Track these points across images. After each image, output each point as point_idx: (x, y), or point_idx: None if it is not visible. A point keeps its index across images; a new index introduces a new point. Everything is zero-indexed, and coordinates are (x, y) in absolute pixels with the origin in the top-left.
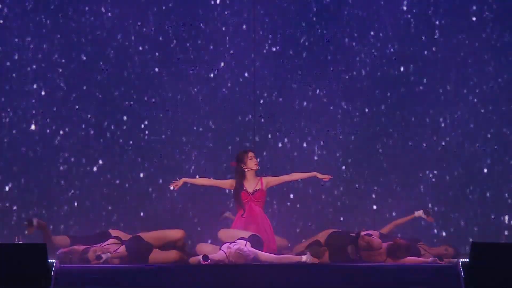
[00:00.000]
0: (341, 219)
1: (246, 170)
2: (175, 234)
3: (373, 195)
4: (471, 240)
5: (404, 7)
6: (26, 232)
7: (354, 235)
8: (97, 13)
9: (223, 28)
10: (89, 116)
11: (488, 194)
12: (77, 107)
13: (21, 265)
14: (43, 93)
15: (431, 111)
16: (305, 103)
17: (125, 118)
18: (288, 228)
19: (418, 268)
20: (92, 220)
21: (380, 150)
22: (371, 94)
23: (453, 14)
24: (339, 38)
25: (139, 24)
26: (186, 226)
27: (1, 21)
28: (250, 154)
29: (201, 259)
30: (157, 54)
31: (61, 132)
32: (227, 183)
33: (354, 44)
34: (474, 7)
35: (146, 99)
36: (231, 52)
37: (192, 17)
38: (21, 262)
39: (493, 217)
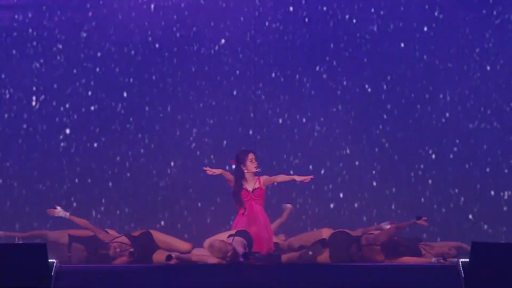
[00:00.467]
0: (341, 195)
1: (245, 171)
2: (184, 246)
3: (373, 172)
4: (470, 216)
5: None
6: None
7: (357, 235)
8: None
9: (224, 5)
10: (89, 93)
11: (487, 170)
12: (77, 83)
13: (21, 265)
14: (43, 69)
15: (431, 88)
16: (305, 80)
17: (125, 94)
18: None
19: (418, 268)
20: (92, 196)
21: (380, 127)
22: (371, 70)
23: None
24: (340, 15)
25: (139, 1)
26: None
27: None
28: (251, 156)
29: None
30: (158, 31)
31: (62, 108)
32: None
33: (354, 20)
34: None
35: (146, 76)
36: (231, 28)
37: None
38: (21, 262)
39: (492, 193)
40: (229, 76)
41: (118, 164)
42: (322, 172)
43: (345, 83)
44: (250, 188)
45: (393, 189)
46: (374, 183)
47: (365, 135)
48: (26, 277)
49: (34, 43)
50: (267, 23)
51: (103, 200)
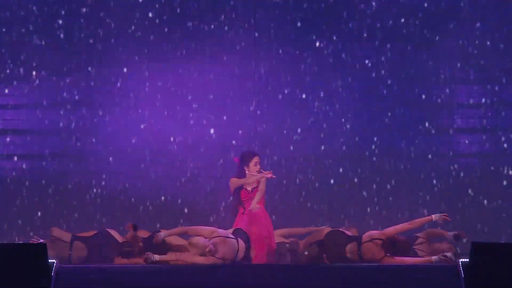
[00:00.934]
0: (341, 170)
1: (247, 172)
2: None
3: (373, 146)
4: (470, 191)
5: None
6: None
7: (354, 235)
8: None
9: None
10: (89, 68)
11: (487, 145)
12: (77, 59)
13: (21, 265)
14: (43, 43)
15: (431, 62)
16: (305, 55)
17: (125, 70)
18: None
19: (418, 268)
20: (93, 172)
21: (380, 102)
22: (371, 45)
23: None
24: None
25: None
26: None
27: None
28: (256, 159)
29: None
30: (157, 5)
31: (61, 83)
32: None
33: None
34: None
35: (146, 51)
36: (231, 3)
37: None
38: (21, 262)
39: (492, 168)
40: (230, 51)
41: (119, 138)
42: (322, 148)
43: (345, 58)
44: (249, 188)
45: (393, 165)
46: (374, 158)
47: (365, 110)
48: (26, 277)
49: (33, 18)
50: None
51: (104, 175)
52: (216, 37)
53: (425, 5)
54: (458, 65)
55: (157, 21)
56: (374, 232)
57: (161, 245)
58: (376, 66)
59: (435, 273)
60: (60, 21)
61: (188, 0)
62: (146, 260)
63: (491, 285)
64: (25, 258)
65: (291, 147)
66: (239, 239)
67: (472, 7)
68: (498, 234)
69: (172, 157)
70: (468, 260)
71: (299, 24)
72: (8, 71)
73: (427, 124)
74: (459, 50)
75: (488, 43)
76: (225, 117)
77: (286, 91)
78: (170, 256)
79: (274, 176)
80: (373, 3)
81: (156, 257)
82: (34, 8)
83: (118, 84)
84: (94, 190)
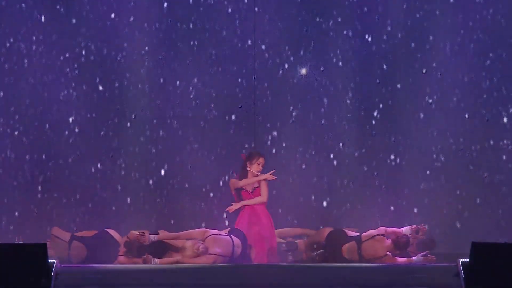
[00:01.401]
0: (341, 144)
1: (248, 169)
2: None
3: (373, 121)
4: (470, 166)
5: None
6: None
7: (355, 235)
8: None
9: None
10: (89, 43)
11: (486, 119)
12: (76, 33)
13: (21, 265)
14: (43, 19)
15: (431, 37)
16: (305, 30)
17: (125, 45)
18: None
19: (418, 268)
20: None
21: (380, 76)
22: (371, 20)
23: None
24: None
25: None
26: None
27: None
28: (261, 159)
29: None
30: None
31: (62, 57)
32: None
33: None
34: None
35: (146, 26)
36: None
37: None
38: (21, 262)
39: (491, 142)
40: (229, 26)
41: (120, 114)
42: (322, 122)
43: (345, 33)
44: (249, 189)
45: (393, 139)
46: (374, 133)
47: (365, 85)
48: (26, 277)
49: None
50: None
51: (104, 150)
52: (215, 12)
53: None
54: (459, 39)
55: None
56: (373, 231)
57: (161, 246)
58: (376, 41)
59: (435, 273)
60: None
61: None
62: (144, 261)
63: (491, 285)
64: (25, 258)
65: (291, 122)
66: (233, 236)
67: None
68: (497, 209)
69: (172, 131)
70: (468, 260)
71: None
72: (8, 45)
73: (427, 99)
74: (460, 24)
75: (489, 17)
76: (225, 91)
77: (286, 66)
78: (170, 260)
79: (275, 178)
80: None
81: (157, 260)
82: None
83: (118, 59)
84: (99, 164)
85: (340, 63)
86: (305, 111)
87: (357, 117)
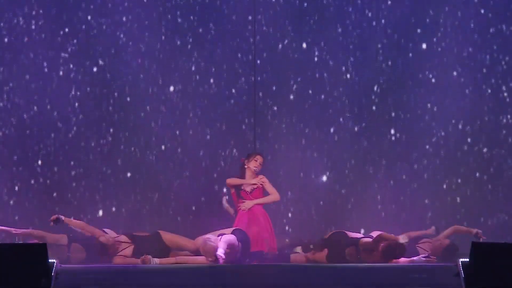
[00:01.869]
0: (341, 119)
1: (246, 167)
2: (193, 245)
3: (373, 96)
4: (469, 140)
5: None
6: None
7: (356, 237)
8: None
9: None
10: (88, 17)
11: (486, 93)
12: (77, 7)
13: (21, 265)
14: None
15: (432, 12)
16: (305, 4)
17: (124, 19)
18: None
19: (418, 268)
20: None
21: (380, 51)
22: None
23: None
24: None
25: None
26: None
27: None
28: (258, 157)
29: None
30: None
31: (61, 32)
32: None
33: None
34: None
35: (145, 1)
36: None
37: None
38: (21, 262)
39: (492, 117)
40: (230, 1)
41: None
42: (322, 97)
43: (345, 8)
44: (248, 189)
45: (393, 113)
46: (374, 108)
47: (365, 59)
48: (26, 277)
49: None
50: None
51: (106, 126)
52: None
53: None
54: (459, 13)
55: None
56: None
57: (162, 246)
58: (376, 16)
59: (435, 273)
60: None
61: None
62: (143, 262)
63: (491, 285)
64: (25, 258)
65: (291, 97)
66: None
67: None
68: (497, 183)
69: (172, 106)
70: (468, 260)
71: None
72: (6, 19)
73: (427, 73)
74: (460, 1)
75: None
76: (224, 66)
77: (286, 41)
78: (170, 260)
79: (261, 185)
80: None
81: (157, 260)
82: None
83: (118, 33)
84: (99, 139)
85: (341, 38)
86: (305, 86)
87: (357, 92)
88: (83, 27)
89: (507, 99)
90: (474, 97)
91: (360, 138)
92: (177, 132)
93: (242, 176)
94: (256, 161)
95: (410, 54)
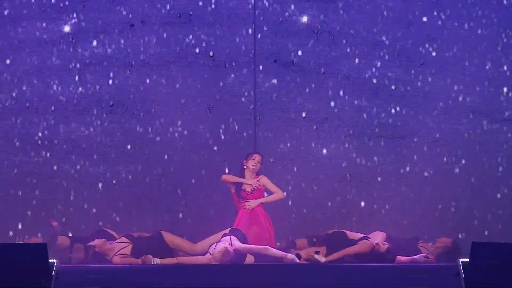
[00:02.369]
0: (341, 92)
1: (244, 167)
2: (193, 247)
3: (373, 69)
4: (470, 114)
5: None
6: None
7: (356, 239)
8: None
9: None
10: (83, 7)
11: (487, 67)
12: None
13: (22, 265)
14: None
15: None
16: None
17: (118, 6)
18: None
19: (418, 268)
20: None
21: (381, 24)
22: None
23: None
24: None
25: None
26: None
27: None
28: (255, 156)
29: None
30: None
31: (61, 5)
32: None
33: None
34: None
35: None
36: None
37: None
38: (22, 262)
39: (492, 90)
40: None
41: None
42: (323, 71)
43: None
44: (248, 189)
45: (393, 87)
46: (374, 81)
47: (365, 32)
48: (26, 277)
49: None
50: None
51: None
52: None
53: None
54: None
55: None
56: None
57: (163, 247)
58: (376, 4)
59: (435, 273)
60: None
61: None
62: (143, 262)
63: (491, 285)
64: (25, 258)
65: (291, 71)
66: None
67: None
68: (496, 155)
69: (172, 79)
70: (468, 260)
71: None
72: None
73: (427, 46)
74: None
75: None
76: (225, 40)
77: (286, 14)
78: (171, 260)
79: (256, 187)
80: None
81: (157, 260)
82: None
83: (118, 6)
84: (99, 112)
85: (341, 11)
86: (305, 59)
87: (358, 65)
88: (82, 17)
89: (507, 72)
90: (474, 70)
91: (361, 112)
92: (177, 106)
93: (241, 176)
94: (254, 159)
95: (411, 27)
